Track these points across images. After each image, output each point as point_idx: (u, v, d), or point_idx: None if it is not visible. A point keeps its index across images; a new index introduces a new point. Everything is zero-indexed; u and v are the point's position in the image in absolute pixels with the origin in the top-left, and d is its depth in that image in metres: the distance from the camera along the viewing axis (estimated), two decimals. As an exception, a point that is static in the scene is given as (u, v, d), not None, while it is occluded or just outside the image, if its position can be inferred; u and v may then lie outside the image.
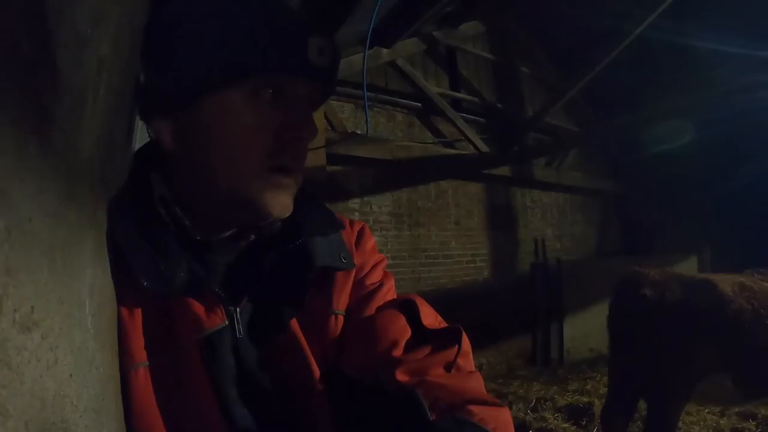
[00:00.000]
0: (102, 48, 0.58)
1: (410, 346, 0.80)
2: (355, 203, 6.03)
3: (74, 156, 0.55)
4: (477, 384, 0.79)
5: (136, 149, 0.86)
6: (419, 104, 6.69)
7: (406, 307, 0.85)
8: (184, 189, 0.78)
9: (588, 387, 5.68)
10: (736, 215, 8.18)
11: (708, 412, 4.61)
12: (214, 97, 0.73)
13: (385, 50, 5.99)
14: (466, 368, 0.81)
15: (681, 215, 8.85)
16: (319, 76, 0.77)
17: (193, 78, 0.72)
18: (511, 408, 5.05)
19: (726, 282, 3.39)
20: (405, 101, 6.59)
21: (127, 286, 0.69)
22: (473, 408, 0.70)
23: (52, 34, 0.46)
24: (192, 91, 0.73)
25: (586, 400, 5.11)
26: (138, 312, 0.71)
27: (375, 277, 0.91)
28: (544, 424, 4.59)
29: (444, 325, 0.86)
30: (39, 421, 0.41)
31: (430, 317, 0.85)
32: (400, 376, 0.75)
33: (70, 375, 0.47)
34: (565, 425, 4.58)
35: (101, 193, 0.65)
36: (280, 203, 0.77)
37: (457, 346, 0.81)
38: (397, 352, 0.78)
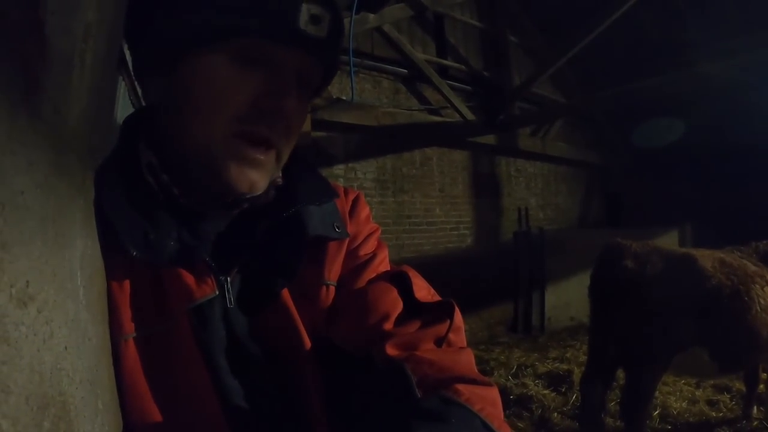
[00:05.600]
0: (88, 14, 0.57)
1: (401, 320, 0.80)
2: (339, 169, 6.01)
3: (62, 125, 0.54)
4: (467, 360, 0.78)
5: (121, 117, 0.85)
6: (405, 71, 6.63)
7: (398, 279, 0.84)
8: (171, 154, 0.76)
9: (568, 355, 5.81)
10: (717, 192, 8.29)
11: (684, 384, 4.73)
12: (198, 58, 0.71)
13: (371, 15, 5.90)
14: (457, 344, 0.81)
15: (663, 190, 8.95)
16: (311, 46, 0.73)
17: (177, 37, 0.71)
18: (492, 374, 5.17)
19: (706, 257, 3.44)
20: (391, 67, 6.52)
21: (115, 257, 0.68)
22: (460, 387, 0.69)
23: (40, 1, 0.44)
24: (175, 50, 0.71)
25: (565, 367, 5.22)
26: (127, 283, 0.70)
27: (368, 248, 0.90)
28: (524, 391, 4.69)
29: (437, 298, 0.85)
30: (38, 395, 0.41)
31: (423, 290, 0.84)
32: (390, 350, 0.75)
33: (65, 348, 0.46)
34: (545, 392, 4.69)
35: (89, 163, 0.64)
36: (246, 179, 0.73)
37: (448, 321, 0.80)
38: (388, 326, 0.78)
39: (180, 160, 0.76)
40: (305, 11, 0.70)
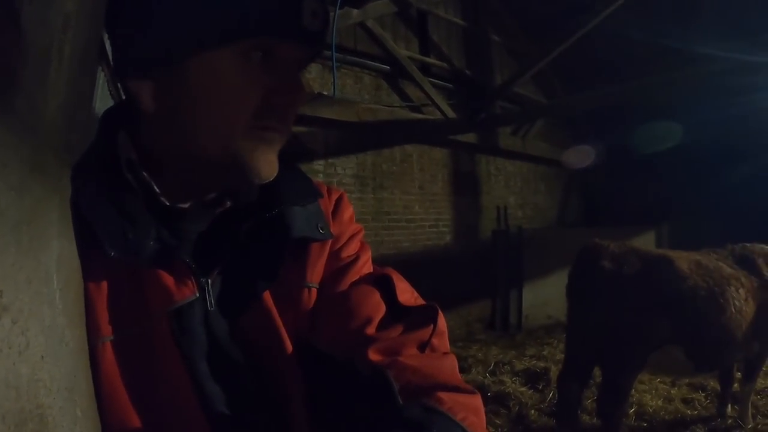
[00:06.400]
0: (67, 4, 0.55)
1: (384, 324, 0.79)
2: (319, 165, 5.98)
3: (38, 121, 0.52)
4: (450, 367, 0.77)
5: (100, 110, 0.82)
6: (387, 67, 6.61)
7: (381, 282, 0.83)
8: (160, 152, 0.74)
9: (545, 353, 5.87)
10: (694, 194, 8.42)
11: (660, 382, 4.80)
12: (201, 58, 0.68)
13: (355, 11, 5.87)
14: (441, 349, 0.80)
15: (641, 191, 9.06)
16: (312, 40, 0.73)
17: (180, 38, 0.68)
18: (470, 371, 5.19)
19: (683, 259, 3.49)
20: (373, 64, 6.50)
21: (92, 257, 0.65)
22: (443, 395, 0.69)
23: (17, -8, 0.42)
24: (178, 52, 0.68)
25: (542, 365, 5.27)
26: (104, 284, 0.68)
27: (351, 250, 0.89)
28: (502, 388, 4.73)
29: (420, 302, 0.84)
30: (15, 412, 0.38)
31: (407, 293, 0.83)
32: (373, 356, 0.74)
33: (42, 357, 0.44)
34: (523, 389, 4.72)
35: (66, 159, 0.61)
36: (268, 161, 0.73)
37: (432, 326, 0.79)
38: (371, 330, 0.77)
39: (174, 159, 0.74)
40: (307, 7, 0.70)
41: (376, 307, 0.80)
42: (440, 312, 0.82)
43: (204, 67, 0.69)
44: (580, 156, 8.72)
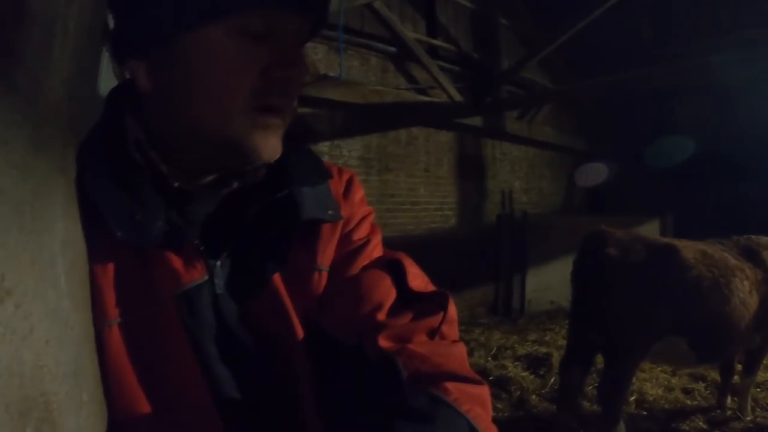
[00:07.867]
0: (73, -24, 0.53)
1: (395, 310, 0.78)
2: (324, 146, 5.95)
3: (41, 98, 0.50)
4: (459, 356, 0.77)
5: (104, 90, 0.80)
6: (394, 49, 6.54)
7: (392, 267, 0.82)
8: (162, 132, 0.72)
9: (547, 338, 5.88)
10: (700, 185, 8.37)
11: (661, 371, 4.79)
12: (194, 35, 0.66)
13: (362, -9, 5.80)
14: (450, 336, 0.79)
15: (646, 179, 9.01)
16: (311, 10, 0.71)
17: (171, 15, 0.65)
18: (472, 355, 5.21)
19: (689, 249, 3.46)
20: (380, 45, 6.44)
21: (98, 238, 0.64)
22: (450, 385, 0.68)
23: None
24: (169, 29, 0.66)
25: (545, 350, 5.29)
26: (111, 266, 0.67)
27: (362, 232, 0.87)
28: (504, 372, 4.74)
29: (431, 288, 0.83)
30: (19, 400, 0.37)
31: (418, 279, 0.82)
32: (383, 342, 0.73)
33: (47, 341, 0.43)
34: (524, 374, 4.74)
35: (70, 139, 0.60)
36: (270, 145, 0.71)
37: (442, 313, 0.79)
38: (381, 316, 0.76)
39: (175, 139, 0.72)
40: None
41: (386, 292, 0.79)
42: (451, 299, 0.81)
43: (196, 44, 0.66)
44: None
